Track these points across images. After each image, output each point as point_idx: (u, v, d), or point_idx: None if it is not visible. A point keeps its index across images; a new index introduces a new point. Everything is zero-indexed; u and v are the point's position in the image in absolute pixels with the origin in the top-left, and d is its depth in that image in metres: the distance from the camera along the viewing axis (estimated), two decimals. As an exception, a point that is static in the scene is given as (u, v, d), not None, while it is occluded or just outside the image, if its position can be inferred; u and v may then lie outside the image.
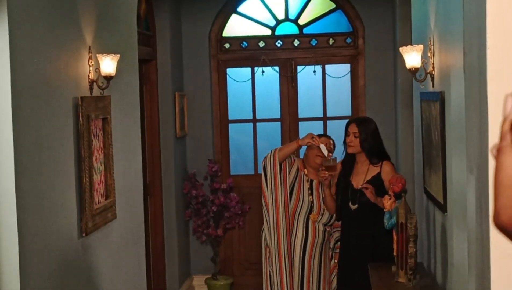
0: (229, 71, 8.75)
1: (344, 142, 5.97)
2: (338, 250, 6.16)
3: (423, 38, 5.40)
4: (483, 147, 2.51)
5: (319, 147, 5.96)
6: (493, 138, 2.45)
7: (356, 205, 5.81)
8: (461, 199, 4.04)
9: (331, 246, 6.22)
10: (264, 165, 6.13)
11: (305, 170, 6.17)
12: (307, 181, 6.15)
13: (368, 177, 5.82)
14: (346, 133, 5.91)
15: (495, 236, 2.45)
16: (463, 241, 4.06)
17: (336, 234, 6.18)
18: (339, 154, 6.14)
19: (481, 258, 2.60)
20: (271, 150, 6.13)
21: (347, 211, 5.88)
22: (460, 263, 4.16)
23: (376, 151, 5.87)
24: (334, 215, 6.07)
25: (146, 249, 6.38)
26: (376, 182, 5.78)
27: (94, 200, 4.76)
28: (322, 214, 6.09)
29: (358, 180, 5.85)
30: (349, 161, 5.95)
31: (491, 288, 2.48)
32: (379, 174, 5.81)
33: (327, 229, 6.15)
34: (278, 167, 6.06)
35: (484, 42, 2.45)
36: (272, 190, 6.08)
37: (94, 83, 4.85)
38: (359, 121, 5.96)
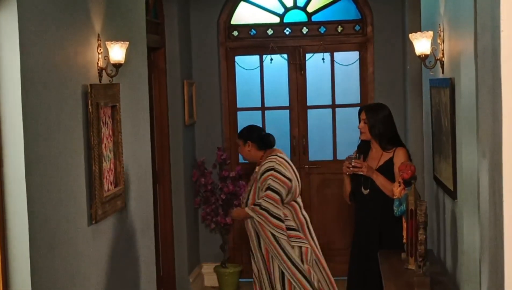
0: (238, 59, 8.74)
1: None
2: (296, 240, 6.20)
3: (432, 24, 5.38)
4: (496, 130, 2.50)
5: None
6: (507, 121, 2.44)
7: (368, 190, 5.86)
8: (472, 185, 4.02)
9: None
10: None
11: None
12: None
13: (381, 163, 5.87)
14: (359, 120, 5.98)
15: (509, 221, 2.44)
16: (473, 227, 4.05)
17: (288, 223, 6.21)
18: (354, 140, 6.21)
19: (494, 243, 2.59)
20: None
21: (360, 195, 5.95)
22: (470, 250, 4.16)
23: (386, 137, 5.90)
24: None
25: (155, 236, 6.39)
26: (389, 168, 5.84)
27: (103, 187, 4.76)
28: (248, 197, 6.28)
29: (372, 165, 5.88)
30: (364, 146, 6.00)
31: (505, 272, 2.47)
32: (391, 159, 5.85)
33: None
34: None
35: (497, 25, 2.44)
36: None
37: (103, 70, 4.84)
38: (368, 108, 6.05)
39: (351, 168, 5.84)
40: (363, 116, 5.96)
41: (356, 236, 6.06)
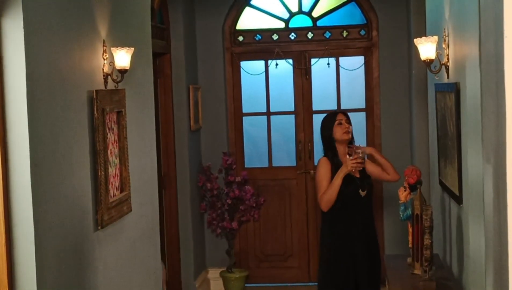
0: (243, 64, 8.75)
1: (328, 135, 6.09)
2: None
3: (437, 29, 5.39)
4: (500, 136, 2.51)
5: None
6: (511, 126, 2.44)
7: (365, 191, 5.87)
8: (477, 190, 4.03)
9: None
10: None
11: None
12: None
13: None
14: (338, 123, 6.07)
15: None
16: (479, 232, 4.05)
17: None
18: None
19: (499, 248, 2.59)
20: None
21: (357, 198, 5.88)
22: (476, 255, 4.15)
23: None
24: None
25: (161, 242, 6.39)
26: None
27: (109, 193, 4.77)
28: None
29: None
30: (333, 156, 6.00)
31: (510, 277, 2.48)
32: None
33: None
34: None
35: (501, 31, 2.44)
36: None
37: (109, 76, 4.85)
38: (344, 111, 6.19)
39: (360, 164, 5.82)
40: (342, 117, 6.10)
41: (351, 241, 5.87)
